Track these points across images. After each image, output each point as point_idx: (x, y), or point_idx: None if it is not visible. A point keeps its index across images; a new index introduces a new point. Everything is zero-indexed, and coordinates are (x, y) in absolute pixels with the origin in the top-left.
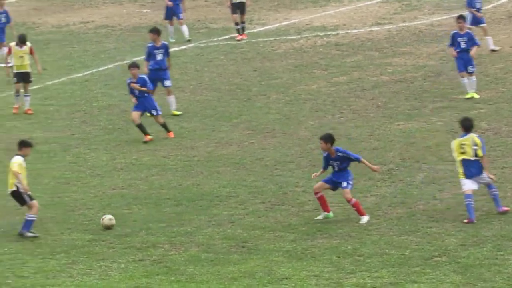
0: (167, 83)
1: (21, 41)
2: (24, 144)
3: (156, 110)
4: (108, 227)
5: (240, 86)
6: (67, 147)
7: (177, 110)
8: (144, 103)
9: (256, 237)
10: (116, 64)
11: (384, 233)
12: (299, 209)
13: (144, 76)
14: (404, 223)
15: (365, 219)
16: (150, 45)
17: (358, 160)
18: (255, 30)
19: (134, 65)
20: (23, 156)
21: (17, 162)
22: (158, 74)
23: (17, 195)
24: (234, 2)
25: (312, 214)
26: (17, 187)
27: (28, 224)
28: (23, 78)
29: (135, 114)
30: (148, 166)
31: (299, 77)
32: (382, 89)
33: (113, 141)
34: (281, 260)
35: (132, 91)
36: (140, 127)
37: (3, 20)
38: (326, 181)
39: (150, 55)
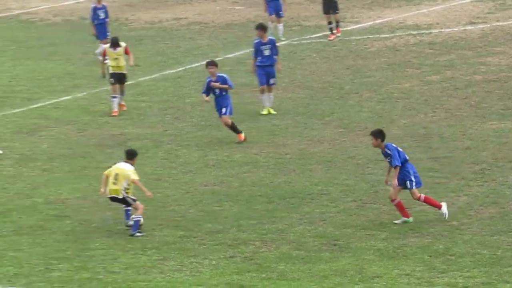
0: (272, 80)
1: (114, 44)
2: (136, 155)
3: (227, 109)
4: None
5: (332, 84)
6: (159, 143)
7: (272, 108)
8: (220, 102)
9: (348, 235)
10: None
11: (476, 232)
12: (391, 208)
13: (223, 74)
14: (496, 223)
15: (403, 220)
16: (256, 41)
17: (394, 165)
18: (348, 28)
19: (212, 63)
20: (132, 165)
21: (132, 170)
22: (266, 70)
23: (119, 200)
24: (325, 0)
25: None
26: (123, 195)
27: (136, 225)
28: (119, 79)
29: (225, 118)
30: (240, 163)
31: (392, 75)
32: (475, 88)
33: (205, 138)
34: (372, 259)
35: (207, 90)
36: (233, 127)
37: (102, 15)
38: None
39: (258, 51)
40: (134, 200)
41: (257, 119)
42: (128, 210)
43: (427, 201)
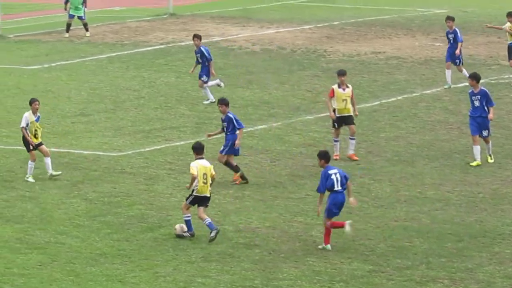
0: (485, 133)
1: (343, 82)
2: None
3: (224, 147)
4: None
5: None
6: (352, 176)
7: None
8: (225, 139)
9: None
10: (405, 96)
11: None
12: None
13: (231, 114)
14: None
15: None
16: (469, 91)
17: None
18: None
19: (221, 101)
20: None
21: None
22: (477, 121)
23: (207, 199)
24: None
25: None
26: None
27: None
28: (345, 121)
29: (219, 156)
30: (432, 200)
31: None
32: None
33: (398, 173)
34: None
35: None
36: (228, 165)
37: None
38: None
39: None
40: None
41: (451, 156)
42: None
43: (333, 225)
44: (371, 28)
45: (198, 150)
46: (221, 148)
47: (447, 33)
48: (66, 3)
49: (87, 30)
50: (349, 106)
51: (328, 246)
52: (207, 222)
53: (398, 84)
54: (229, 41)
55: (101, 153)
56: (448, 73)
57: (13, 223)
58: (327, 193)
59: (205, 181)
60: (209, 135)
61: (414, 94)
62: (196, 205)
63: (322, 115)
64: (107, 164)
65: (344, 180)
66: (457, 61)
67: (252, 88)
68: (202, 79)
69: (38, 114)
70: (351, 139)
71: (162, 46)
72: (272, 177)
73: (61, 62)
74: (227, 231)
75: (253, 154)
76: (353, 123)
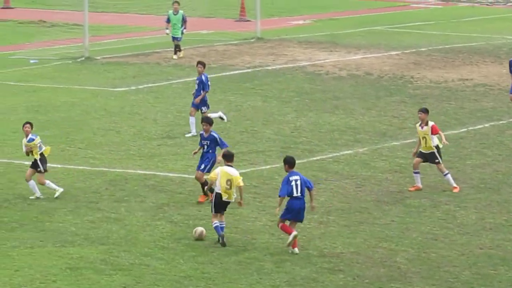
0: None
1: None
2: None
3: (206, 166)
4: (199, 237)
5: None
6: (437, 203)
7: None
8: (203, 158)
9: None
10: (492, 123)
11: None
12: None
13: (215, 134)
14: None
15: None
16: None
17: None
18: None
19: (205, 120)
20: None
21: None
22: None
23: (226, 204)
24: None
25: None
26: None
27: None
28: (427, 158)
29: (198, 173)
30: None
31: None
32: None
33: (483, 200)
34: None
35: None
36: (203, 185)
37: None
38: None
39: None
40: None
41: None
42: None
43: (282, 228)
44: (459, 55)
45: (228, 157)
46: (202, 167)
47: None
48: (168, 22)
49: (177, 51)
50: (430, 143)
51: (296, 250)
52: (214, 225)
53: (485, 112)
54: (316, 66)
55: (186, 175)
56: None
57: (98, 244)
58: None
59: (228, 186)
60: (194, 153)
61: (501, 122)
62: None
63: (408, 141)
64: (193, 187)
65: (304, 187)
66: None
67: (339, 113)
68: (201, 109)
69: (30, 136)
70: (445, 175)
71: (249, 70)
72: (357, 203)
73: (148, 84)
74: (312, 255)
75: (339, 180)
76: (436, 162)
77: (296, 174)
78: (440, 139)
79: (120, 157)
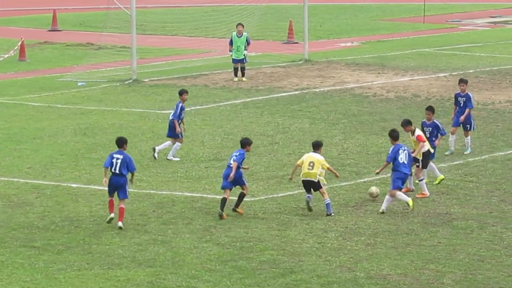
0: None
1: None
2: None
3: None
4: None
5: None
6: (484, 224)
7: None
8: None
9: None
10: None
11: None
12: None
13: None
14: None
15: None
16: None
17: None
18: None
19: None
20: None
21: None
22: None
23: (312, 184)
24: None
25: None
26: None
27: (329, 205)
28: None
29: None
30: None
31: None
32: None
33: None
34: None
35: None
36: None
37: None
38: None
39: None
40: (324, 185)
41: None
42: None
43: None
44: (506, 77)
45: (315, 146)
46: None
47: None
48: (231, 44)
49: (243, 75)
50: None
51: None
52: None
53: None
54: (363, 88)
55: (234, 198)
56: None
57: (145, 267)
58: None
59: (310, 167)
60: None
61: None
62: (312, 190)
63: (455, 163)
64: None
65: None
66: None
67: (386, 136)
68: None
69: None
70: (420, 180)
71: (296, 92)
72: (405, 224)
73: (196, 106)
74: (359, 277)
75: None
76: (417, 166)
77: (401, 146)
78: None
79: (167, 180)
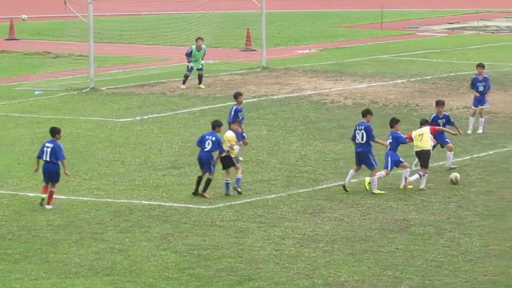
0: None
1: None
2: None
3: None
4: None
5: None
6: (441, 230)
7: None
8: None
9: None
10: (496, 150)
11: None
12: None
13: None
14: None
15: None
16: None
17: None
18: None
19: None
20: None
21: None
22: None
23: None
24: None
25: None
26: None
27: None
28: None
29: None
30: None
31: None
32: None
33: (487, 228)
34: None
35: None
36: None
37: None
38: None
39: None
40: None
41: None
42: None
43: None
44: (463, 83)
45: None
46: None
47: None
48: (189, 55)
49: (200, 82)
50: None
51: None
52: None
53: (489, 139)
54: (321, 94)
55: (191, 205)
56: None
57: (102, 275)
58: None
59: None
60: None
61: (505, 149)
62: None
63: (413, 168)
64: (197, 217)
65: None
66: None
67: (344, 142)
68: None
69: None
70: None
71: (254, 100)
72: (362, 231)
73: (153, 114)
74: (317, 284)
75: (343, 208)
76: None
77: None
78: None
79: (124, 188)
